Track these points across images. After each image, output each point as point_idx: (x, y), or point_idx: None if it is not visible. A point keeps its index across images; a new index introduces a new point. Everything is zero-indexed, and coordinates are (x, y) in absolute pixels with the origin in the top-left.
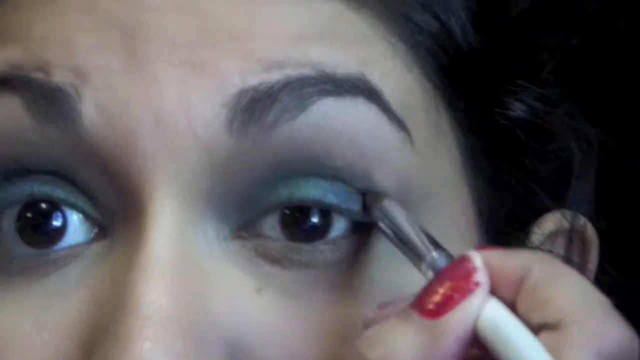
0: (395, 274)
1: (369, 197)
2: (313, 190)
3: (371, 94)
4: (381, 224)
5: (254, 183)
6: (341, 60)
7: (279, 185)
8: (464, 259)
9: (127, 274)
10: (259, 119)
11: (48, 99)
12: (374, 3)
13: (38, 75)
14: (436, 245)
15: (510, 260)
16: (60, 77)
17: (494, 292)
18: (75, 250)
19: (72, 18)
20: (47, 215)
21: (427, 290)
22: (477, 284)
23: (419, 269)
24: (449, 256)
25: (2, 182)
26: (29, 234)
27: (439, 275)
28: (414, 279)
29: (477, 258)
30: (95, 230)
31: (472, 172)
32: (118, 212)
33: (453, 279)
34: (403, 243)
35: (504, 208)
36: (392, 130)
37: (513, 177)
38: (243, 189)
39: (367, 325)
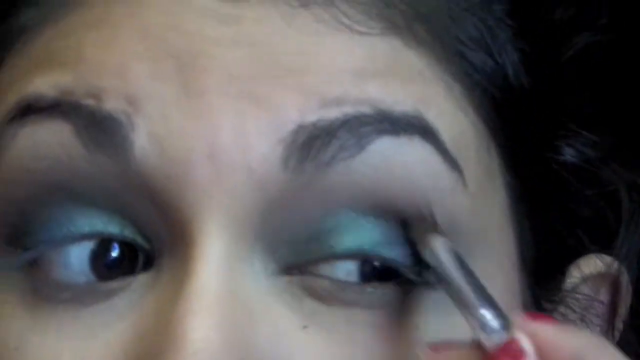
0: (441, 324)
1: (417, 230)
2: (365, 241)
3: (427, 133)
4: (432, 265)
5: (306, 221)
6: (398, 97)
7: (329, 230)
8: (513, 342)
9: (173, 307)
10: (315, 156)
11: (99, 127)
12: (432, 42)
13: (89, 101)
14: (487, 300)
15: (565, 341)
16: (112, 104)
17: None
18: (124, 282)
19: (126, 45)
20: (107, 247)
21: None
22: None
23: (467, 321)
24: (500, 316)
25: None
26: (97, 265)
27: (492, 357)
28: (461, 331)
29: (526, 342)
30: (143, 261)
31: (517, 213)
32: (165, 244)
33: None
34: (451, 289)
35: (544, 248)
36: (446, 170)
37: (557, 220)
38: (294, 227)
39: None
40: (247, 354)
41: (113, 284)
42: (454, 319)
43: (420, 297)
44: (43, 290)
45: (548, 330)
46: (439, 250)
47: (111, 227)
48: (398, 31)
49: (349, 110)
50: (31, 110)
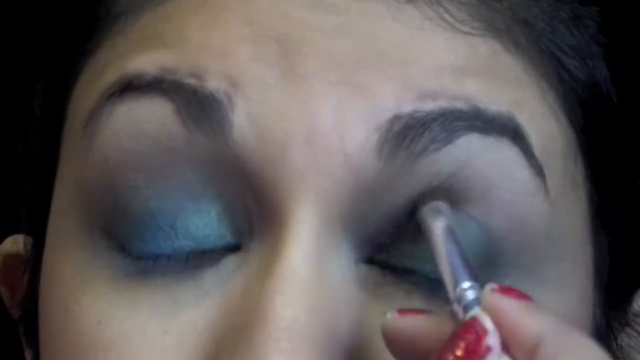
0: None
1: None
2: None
3: (517, 136)
4: (423, 227)
5: (394, 210)
6: (494, 98)
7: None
8: (475, 320)
9: (262, 286)
10: (408, 146)
11: (199, 105)
12: (530, 47)
13: (191, 80)
14: (469, 274)
15: (528, 320)
16: (214, 84)
17: (506, 351)
18: (212, 260)
19: (230, 28)
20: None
21: (445, 348)
22: (488, 349)
23: (447, 292)
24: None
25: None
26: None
27: (454, 335)
28: None
29: (487, 321)
30: (231, 241)
31: (596, 226)
32: (256, 227)
33: (465, 340)
34: (438, 256)
35: (620, 266)
36: (530, 174)
37: (635, 238)
38: (383, 216)
39: (385, 326)
40: (332, 338)
41: (201, 261)
42: None
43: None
44: (131, 267)
45: (514, 307)
46: (431, 218)
47: (209, 228)
48: (498, 34)
49: (444, 104)
50: (131, 87)
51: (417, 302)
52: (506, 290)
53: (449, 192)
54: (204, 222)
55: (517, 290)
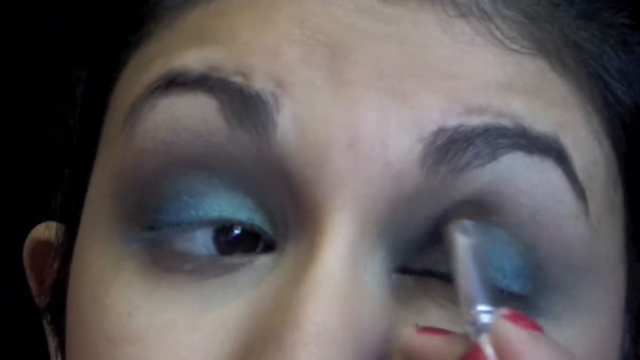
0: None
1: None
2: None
3: (560, 158)
4: (447, 244)
5: (432, 223)
6: (540, 117)
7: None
8: (477, 350)
9: (295, 290)
10: (451, 160)
11: (245, 104)
12: (577, 69)
13: (238, 79)
14: (486, 297)
15: (528, 355)
16: (260, 83)
17: None
18: (245, 259)
19: (280, 29)
20: (231, 227)
21: None
22: None
23: (462, 312)
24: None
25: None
26: (220, 241)
27: (460, 358)
28: None
29: (488, 347)
30: (265, 243)
31: (630, 254)
32: (291, 228)
33: None
34: (456, 278)
35: None
36: (572, 197)
37: None
38: (419, 227)
39: (402, 342)
40: (362, 347)
41: (235, 259)
42: (563, 329)
43: (535, 310)
44: (163, 261)
45: (521, 337)
46: (455, 235)
47: (240, 213)
48: (547, 54)
49: (490, 120)
50: (176, 83)
51: (449, 315)
52: (516, 318)
53: (489, 209)
54: (236, 206)
55: (528, 319)
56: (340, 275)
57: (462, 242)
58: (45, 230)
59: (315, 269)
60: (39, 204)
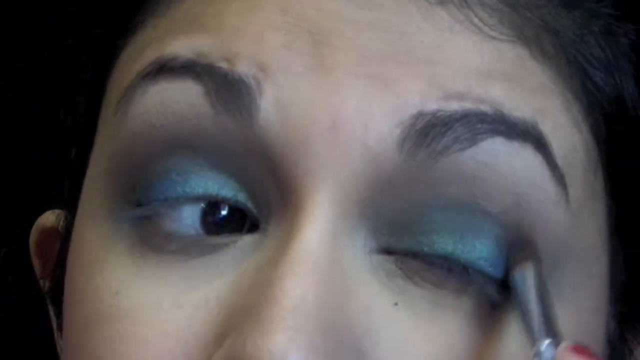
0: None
1: (513, 252)
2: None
3: (540, 144)
4: (514, 286)
5: (409, 206)
6: (519, 104)
7: (424, 224)
8: None
9: (275, 268)
10: (429, 144)
11: (229, 89)
12: (557, 56)
13: (222, 64)
14: (554, 332)
15: None
16: (244, 68)
17: None
18: (230, 239)
19: (265, 16)
20: (217, 207)
21: None
22: None
23: (529, 344)
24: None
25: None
26: (207, 221)
27: None
28: None
29: None
30: (251, 222)
31: (612, 240)
32: (273, 209)
33: None
34: (524, 314)
35: (635, 280)
36: (552, 184)
37: None
38: (397, 209)
39: None
40: (340, 323)
41: (220, 239)
42: None
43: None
44: (151, 240)
45: None
46: (526, 272)
47: (224, 191)
48: (526, 41)
49: (469, 106)
50: (165, 69)
51: (428, 295)
52: (579, 350)
53: (472, 196)
54: (221, 185)
55: (589, 350)
56: (319, 253)
57: (533, 282)
58: (52, 217)
59: (294, 247)
60: (38, 204)
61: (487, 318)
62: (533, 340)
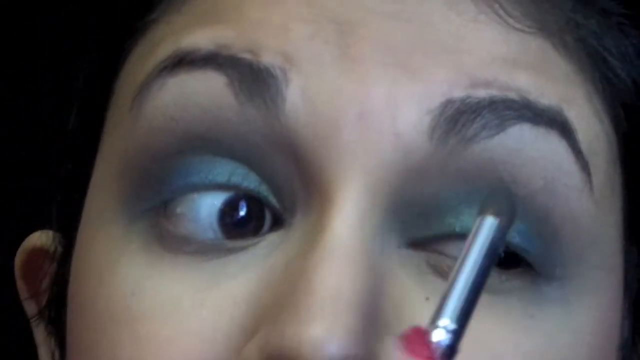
0: (557, 315)
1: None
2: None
3: (565, 130)
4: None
5: (441, 196)
6: (544, 91)
7: (456, 207)
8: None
9: (305, 259)
10: (459, 130)
11: (254, 79)
12: (578, 49)
13: (246, 55)
14: (463, 310)
15: None
16: (269, 59)
17: None
18: (251, 242)
19: (289, 7)
20: (236, 206)
21: None
22: None
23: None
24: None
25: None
26: (225, 223)
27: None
28: (574, 326)
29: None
30: (272, 218)
31: (627, 238)
32: (299, 202)
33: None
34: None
35: None
36: (577, 169)
37: None
38: (429, 200)
39: None
40: (375, 312)
41: (239, 243)
42: (571, 309)
43: (542, 287)
44: (167, 242)
45: None
46: (480, 230)
47: (247, 181)
48: (549, 34)
49: (496, 93)
50: (185, 61)
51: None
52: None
53: (504, 180)
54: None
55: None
56: (350, 243)
57: (482, 240)
58: (41, 237)
59: (325, 237)
60: (38, 204)
61: (524, 314)
62: (444, 304)
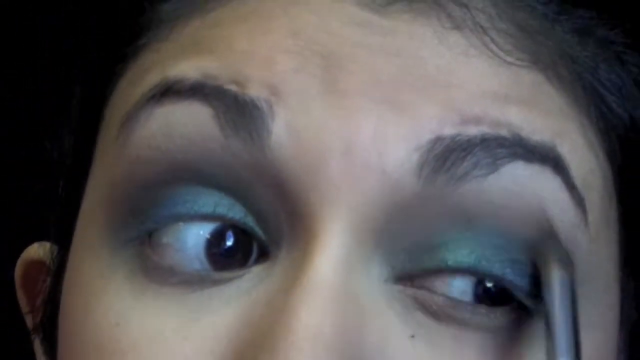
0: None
1: (543, 255)
2: (482, 257)
3: (558, 166)
4: (546, 297)
5: (428, 233)
6: (537, 127)
7: (447, 243)
8: None
9: (287, 296)
10: (449, 169)
11: (239, 112)
12: (573, 82)
13: (232, 87)
14: (574, 353)
15: None
16: (255, 91)
17: None
18: (237, 274)
19: (276, 39)
20: (223, 236)
21: None
22: None
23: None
24: None
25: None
26: (213, 253)
27: None
28: None
29: None
30: (257, 252)
31: (623, 271)
32: (284, 236)
33: None
34: (549, 324)
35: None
36: (572, 205)
37: None
38: (415, 236)
39: None
40: (354, 352)
41: (225, 274)
42: None
43: (532, 325)
44: (152, 272)
45: None
46: (555, 281)
47: (233, 212)
48: (542, 67)
49: (487, 130)
50: (171, 91)
51: (447, 330)
52: None
53: (496, 220)
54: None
55: None
56: (333, 281)
57: (560, 289)
58: (39, 250)
59: (308, 275)
60: (38, 204)
61: (511, 350)
62: (554, 354)
